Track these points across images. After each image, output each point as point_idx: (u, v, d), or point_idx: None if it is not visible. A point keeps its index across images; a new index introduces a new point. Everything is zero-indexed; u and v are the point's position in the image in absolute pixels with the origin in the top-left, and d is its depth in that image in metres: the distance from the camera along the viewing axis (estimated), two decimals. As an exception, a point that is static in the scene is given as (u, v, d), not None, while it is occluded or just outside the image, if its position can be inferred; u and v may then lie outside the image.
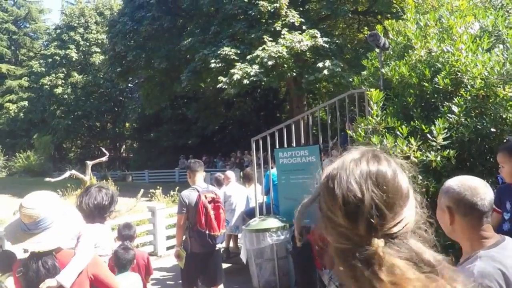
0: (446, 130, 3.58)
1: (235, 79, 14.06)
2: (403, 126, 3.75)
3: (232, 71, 14.23)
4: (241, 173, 9.99)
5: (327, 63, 14.42)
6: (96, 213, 2.75)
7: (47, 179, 12.20)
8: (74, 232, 2.28)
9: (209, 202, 4.41)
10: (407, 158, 3.74)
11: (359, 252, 0.79)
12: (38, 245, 2.12)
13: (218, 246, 4.75)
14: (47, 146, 30.73)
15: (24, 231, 2.13)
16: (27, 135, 34.70)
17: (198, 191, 4.42)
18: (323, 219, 0.87)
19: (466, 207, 1.54)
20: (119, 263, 3.48)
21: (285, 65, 14.88)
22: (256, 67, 14.15)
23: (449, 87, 3.77)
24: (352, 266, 0.79)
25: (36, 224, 2.11)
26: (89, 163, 12.72)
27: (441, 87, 3.79)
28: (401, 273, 0.76)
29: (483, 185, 1.60)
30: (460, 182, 1.57)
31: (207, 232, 4.35)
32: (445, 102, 3.80)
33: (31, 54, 39.54)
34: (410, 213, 0.85)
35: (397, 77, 4.25)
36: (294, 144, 5.99)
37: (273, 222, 5.27)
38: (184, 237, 4.48)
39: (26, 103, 34.74)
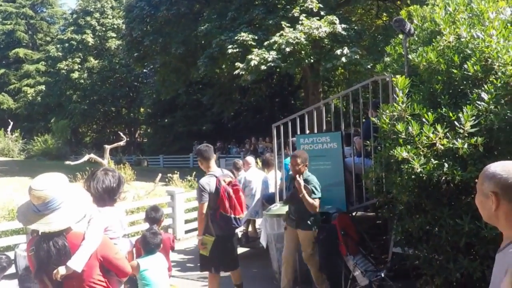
0: (474, 118, 3.53)
1: (252, 64, 13.98)
2: (429, 113, 3.71)
3: (249, 56, 14.15)
4: (258, 159, 10.05)
5: (345, 50, 14.25)
6: (105, 196, 2.77)
7: (67, 162, 12.40)
8: (83, 213, 2.31)
9: (228, 186, 4.45)
10: (433, 145, 3.71)
11: None
12: (48, 225, 2.17)
13: (237, 230, 4.83)
14: (64, 130, 31.13)
15: (34, 212, 2.18)
16: (45, 119, 35.18)
17: (216, 177, 4.44)
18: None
19: None
20: (148, 247, 3.55)
21: (303, 52, 14.75)
22: (273, 53, 14.05)
23: (479, 73, 3.71)
24: None
25: (46, 205, 2.16)
26: (107, 147, 12.89)
27: (470, 73, 3.73)
28: None
29: None
30: (506, 168, 1.55)
31: (232, 215, 4.38)
32: (474, 89, 3.73)
33: (48, 38, 39.88)
34: None
35: (425, 63, 4.19)
36: (315, 131, 5.98)
37: (293, 208, 5.28)
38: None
39: (43, 87, 35.17)
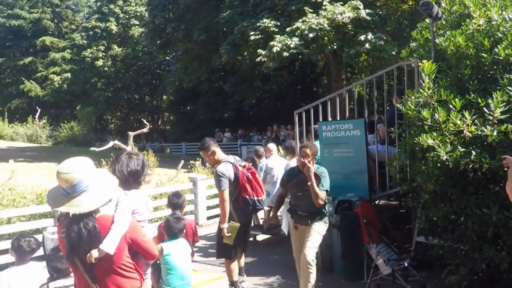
0: (504, 104, 3.41)
1: (274, 51, 13.85)
2: (457, 99, 3.60)
3: (271, 43, 14.01)
4: (279, 146, 10.02)
5: (370, 35, 13.94)
6: (131, 179, 2.80)
7: (92, 148, 12.67)
8: (111, 195, 2.35)
9: (245, 170, 4.49)
10: (460, 132, 3.61)
11: None
12: (77, 207, 2.22)
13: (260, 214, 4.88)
14: (89, 117, 31.73)
15: (63, 195, 2.23)
16: (70, 106, 35.90)
17: (232, 163, 4.46)
18: None
19: None
20: (171, 232, 3.59)
21: (326, 38, 14.52)
22: (296, 39, 13.87)
23: (510, 58, 3.57)
24: None
25: (73, 187, 2.20)
26: (131, 134, 13.10)
27: (501, 58, 3.59)
28: None
29: None
30: None
31: (255, 198, 4.42)
32: (505, 74, 3.60)
33: (73, 27, 40.49)
34: None
35: (452, 48, 4.06)
36: (337, 118, 5.90)
37: (315, 195, 5.25)
38: None
39: (69, 75, 35.80)
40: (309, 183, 4.09)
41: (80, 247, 2.25)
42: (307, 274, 4.12)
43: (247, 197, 4.40)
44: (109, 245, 2.24)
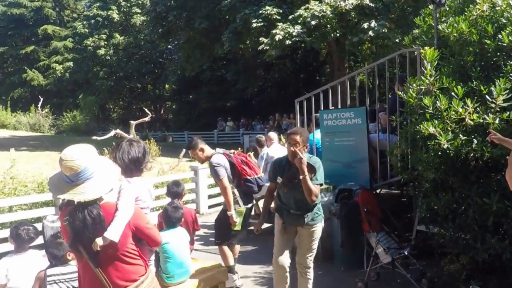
0: (507, 91, 3.35)
1: (276, 39, 13.75)
2: (459, 87, 3.54)
3: (273, 31, 13.90)
4: (282, 135, 9.99)
5: (373, 23, 13.79)
6: (132, 166, 2.77)
7: (94, 137, 12.64)
8: (115, 182, 2.32)
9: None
10: (461, 120, 3.56)
11: None
12: (82, 195, 2.17)
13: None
14: (92, 106, 31.75)
15: (67, 183, 2.18)
16: (73, 95, 35.91)
17: (221, 153, 4.56)
18: None
19: None
20: (169, 221, 3.59)
21: (328, 25, 14.37)
22: (298, 27, 13.75)
23: (514, 44, 3.51)
24: None
25: (77, 175, 2.16)
26: (133, 122, 13.07)
27: (505, 44, 3.53)
28: None
29: None
30: None
31: (255, 176, 4.56)
32: (509, 61, 3.54)
33: (75, 15, 40.31)
34: None
35: (455, 34, 3.99)
36: (339, 106, 5.85)
37: (316, 184, 5.22)
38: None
39: (71, 63, 35.73)
40: (301, 177, 3.46)
41: (84, 234, 2.22)
42: (306, 280, 3.79)
43: (249, 177, 4.52)
44: (114, 232, 2.22)
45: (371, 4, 14.17)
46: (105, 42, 34.11)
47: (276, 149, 6.76)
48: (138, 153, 2.80)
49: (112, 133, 12.29)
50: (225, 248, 4.62)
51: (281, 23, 14.09)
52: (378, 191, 5.87)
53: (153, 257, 2.86)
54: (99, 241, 2.20)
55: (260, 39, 14.69)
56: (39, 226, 3.97)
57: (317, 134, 5.84)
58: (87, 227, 2.21)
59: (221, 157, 4.50)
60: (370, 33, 13.83)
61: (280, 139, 9.39)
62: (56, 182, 2.24)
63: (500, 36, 3.58)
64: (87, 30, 34.52)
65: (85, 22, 35.24)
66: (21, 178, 6.91)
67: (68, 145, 2.27)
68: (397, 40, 13.53)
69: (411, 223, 4.82)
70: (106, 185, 2.24)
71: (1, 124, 28.40)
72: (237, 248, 4.88)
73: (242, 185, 4.52)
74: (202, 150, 4.55)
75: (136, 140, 2.93)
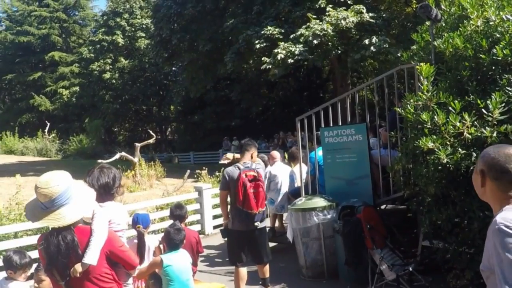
0: (503, 104, 3.37)
1: (279, 58, 13.89)
2: (456, 101, 3.57)
3: (275, 50, 14.05)
4: (285, 153, 10.01)
5: (374, 39, 13.91)
6: (102, 191, 2.83)
7: (99, 160, 12.71)
8: (91, 207, 2.38)
9: (250, 181, 4.41)
10: (460, 134, 3.57)
11: None
12: (57, 221, 2.23)
13: (264, 224, 4.74)
14: (98, 130, 32.00)
15: (42, 209, 2.24)
16: (79, 119, 36.25)
17: (240, 169, 4.46)
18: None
19: (497, 172, 1.62)
20: (172, 243, 3.59)
21: (330, 43, 14.52)
22: (300, 46, 13.90)
23: (509, 58, 3.54)
24: None
25: (52, 201, 2.22)
26: (138, 145, 13.17)
27: (499, 58, 3.56)
28: None
29: None
30: (497, 149, 1.66)
31: (244, 209, 4.35)
32: (504, 75, 3.57)
33: (81, 41, 40.97)
34: None
35: (451, 50, 4.03)
36: (340, 123, 5.88)
37: (319, 201, 5.22)
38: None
39: (77, 88, 36.18)
40: None
41: (58, 260, 2.27)
42: None
43: (238, 206, 4.39)
44: (91, 257, 2.27)
45: (372, 21, 14.32)
46: (111, 66, 34.60)
47: (279, 167, 6.77)
48: (107, 178, 2.88)
49: (117, 156, 12.39)
50: (241, 270, 4.55)
51: (283, 42, 14.26)
52: (383, 207, 5.85)
53: (130, 281, 2.88)
54: (78, 268, 2.26)
55: (263, 58, 14.85)
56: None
57: (319, 152, 5.86)
58: (60, 252, 2.25)
59: (235, 171, 4.45)
60: (372, 48, 13.93)
61: (284, 157, 9.42)
62: (32, 208, 2.30)
63: (494, 50, 3.61)
64: (92, 55, 35.07)
65: (90, 47, 35.82)
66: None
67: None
68: (398, 55, 13.61)
69: (417, 239, 4.79)
70: (81, 210, 2.30)
71: (9, 150, 28.64)
72: (265, 270, 4.73)
73: (234, 208, 4.45)
74: (242, 154, 4.63)
75: (108, 167, 3.00)
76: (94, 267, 2.31)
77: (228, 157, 4.70)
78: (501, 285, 1.46)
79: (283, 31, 14.96)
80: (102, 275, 2.36)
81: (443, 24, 4.98)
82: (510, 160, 1.61)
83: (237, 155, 4.89)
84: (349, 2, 14.84)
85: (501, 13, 3.86)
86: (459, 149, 3.50)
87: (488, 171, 1.64)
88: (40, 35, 38.63)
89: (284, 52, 13.95)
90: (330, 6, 14.54)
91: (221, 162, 4.75)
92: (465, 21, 4.30)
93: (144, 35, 34.29)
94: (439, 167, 3.59)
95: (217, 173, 10.87)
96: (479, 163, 1.69)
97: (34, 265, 3.51)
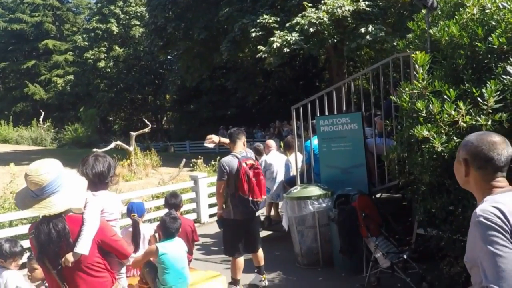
0: (498, 93, 3.36)
1: (274, 47, 13.81)
2: (451, 90, 3.56)
3: (271, 39, 13.97)
4: (281, 142, 10.01)
5: (370, 27, 13.84)
6: (96, 180, 2.83)
7: (95, 149, 12.68)
8: (82, 195, 2.37)
9: (249, 169, 4.44)
10: (455, 123, 3.57)
11: None
12: (47, 209, 2.22)
13: (258, 212, 4.81)
14: (93, 119, 31.87)
15: (32, 197, 2.23)
16: (74, 108, 36.10)
17: (238, 158, 4.45)
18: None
19: (482, 160, 1.59)
20: (167, 232, 3.59)
21: (326, 32, 14.44)
22: (296, 34, 13.82)
23: (505, 46, 3.52)
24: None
25: (42, 189, 2.20)
26: (133, 134, 13.13)
27: (495, 46, 3.54)
28: None
29: (502, 141, 1.63)
30: (480, 137, 1.63)
31: (250, 198, 4.39)
32: (500, 63, 3.55)
33: (75, 29, 40.62)
34: None
35: (446, 38, 4.01)
36: (335, 112, 5.87)
37: (314, 190, 5.24)
38: (224, 205, 4.57)
39: (72, 77, 35.96)
40: None
41: (49, 248, 2.26)
42: None
43: (242, 195, 4.39)
44: (83, 246, 2.26)
45: (368, 9, 14.24)
46: (105, 55, 34.34)
47: (274, 156, 6.77)
48: (102, 167, 2.86)
49: (112, 145, 12.35)
50: (238, 260, 4.59)
51: (278, 31, 14.17)
52: (378, 195, 5.87)
53: (123, 270, 2.89)
54: (69, 257, 2.25)
55: (259, 47, 14.77)
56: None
57: (315, 141, 5.86)
58: (51, 240, 2.24)
59: (233, 161, 4.44)
60: (368, 37, 13.87)
61: (280, 146, 9.42)
62: (23, 197, 2.29)
63: (490, 38, 3.60)
64: (87, 43, 34.76)
65: (85, 36, 35.49)
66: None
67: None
68: (395, 43, 13.56)
69: (412, 227, 4.82)
70: (72, 198, 2.29)
71: (3, 139, 28.50)
72: (260, 257, 4.78)
73: (236, 197, 4.44)
74: (234, 143, 4.59)
75: (102, 155, 2.98)
76: (85, 257, 2.30)
77: (214, 140, 4.64)
78: (485, 279, 1.45)
79: (278, 19, 14.86)
80: (93, 265, 2.36)
81: (439, 12, 4.96)
82: (493, 148, 1.58)
83: (223, 139, 4.83)
84: (345, -10, 14.71)
85: (497, 1, 3.83)
86: (454, 138, 3.49)
87: (472, 160, 1.61)
88: (33, 22, 38.23)
89: (280, 40, 13.87)
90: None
91: (206, 145, 4.69)
92: (461, 9, 4.27)
93: (138, 23, 33.99)
94: (434, 156, 3.59)
95: (213, 162, 10.87)
96: (462, 152, 1.65)
97: (27, 254, 3.52)
